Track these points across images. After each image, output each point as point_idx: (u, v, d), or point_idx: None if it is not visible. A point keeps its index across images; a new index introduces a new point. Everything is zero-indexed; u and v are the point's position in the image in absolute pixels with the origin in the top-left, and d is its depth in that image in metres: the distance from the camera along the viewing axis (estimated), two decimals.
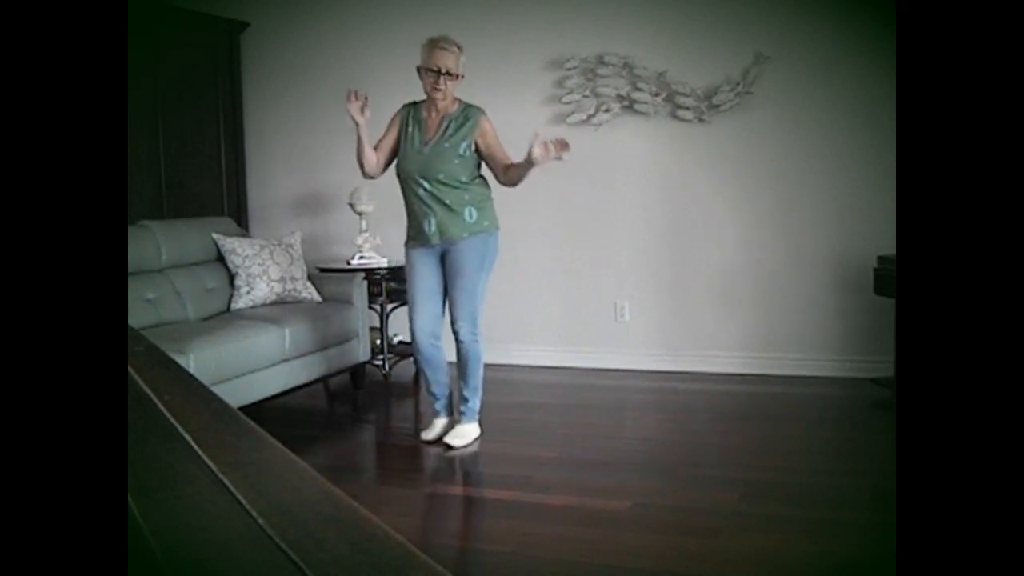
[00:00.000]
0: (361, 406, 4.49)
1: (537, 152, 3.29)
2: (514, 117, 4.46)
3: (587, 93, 4.84)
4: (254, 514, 0.67)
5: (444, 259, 3.58)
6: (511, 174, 3.49)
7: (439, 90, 3.43)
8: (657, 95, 4.72)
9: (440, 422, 3.75)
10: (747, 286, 4.75)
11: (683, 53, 4.69)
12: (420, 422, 4.23)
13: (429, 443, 3.68)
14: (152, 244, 4.15)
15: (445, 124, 3.49)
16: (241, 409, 1.08)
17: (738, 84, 4.59)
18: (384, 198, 4.51)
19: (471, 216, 3.50)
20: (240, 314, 4.16)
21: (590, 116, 4.84)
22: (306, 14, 5.40)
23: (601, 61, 4.78)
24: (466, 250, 3.51)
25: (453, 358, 3.71)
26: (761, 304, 4.74)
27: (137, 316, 3.77)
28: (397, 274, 4.85)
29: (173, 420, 0.93)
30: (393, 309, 4.91)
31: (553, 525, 2.81)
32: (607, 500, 2.98)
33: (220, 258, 4.42)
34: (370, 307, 4.67)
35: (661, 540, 2.65)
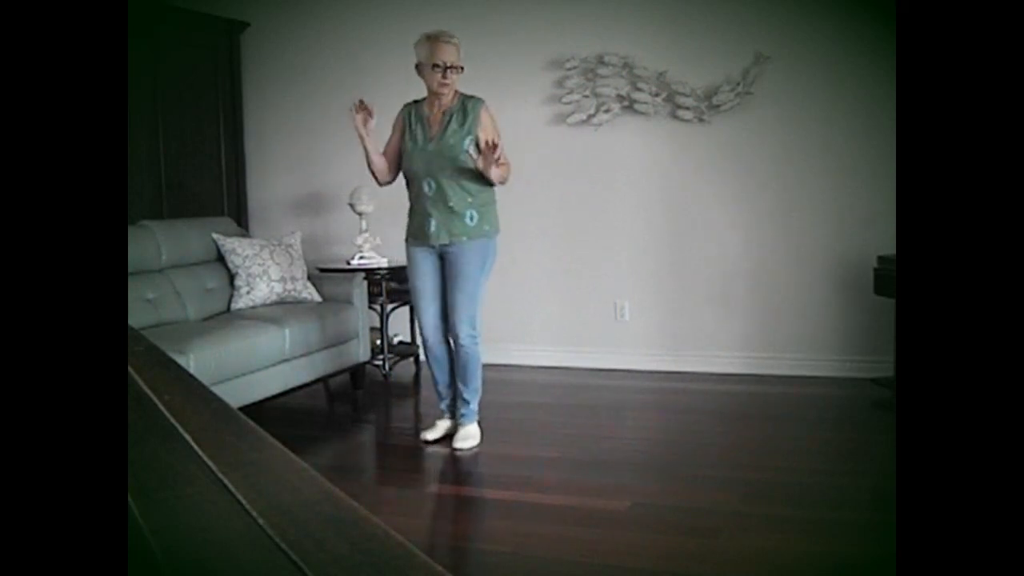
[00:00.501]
0: (361, 406, 4.49)
1: (481, 163, 3.37)
2: (514, 117, 4.47)
3: (587, 93, 4.84)
4: (254, 514, 0.67)
5: (443, 260, 3.57)
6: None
7: (446, 84, 3.41)
8: (657, 95, 4.72)
9: (443, 423, 3.74)
10: (747, 286, 4.75)
11: (683, 53, 4.69)
12: (420, 422, 4.23)
13: (429, 443, 3.68)
14: (152, 244, 4.15)
15: (447, 119, 3.47)
16: (241, 409, 1.08)
17: (738, 84, 4.59)
18: (384, 198, 4.51)
19: (472, 219, 3.48)
20: (240, 314, 4.16)
21: (590, 116, 4.84)
22: (306, 14, 5.40)
23: (601, 61, 4.79)
24: (466, 253, 3.50)
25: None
26: (761, 304, 4.74)
27: (137, 316, 3.77)
28: (397, 274, 4.85)
29: (173, 420, 0.93)
30: (393, 309, 4.91)
31: (553, 525, 2.81)
32: (607, 500, 2.98)
33: (220, 258, 4.42)
34: (370, 307, 4.67)
35: (661, 540, 2.65)
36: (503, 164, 3.43)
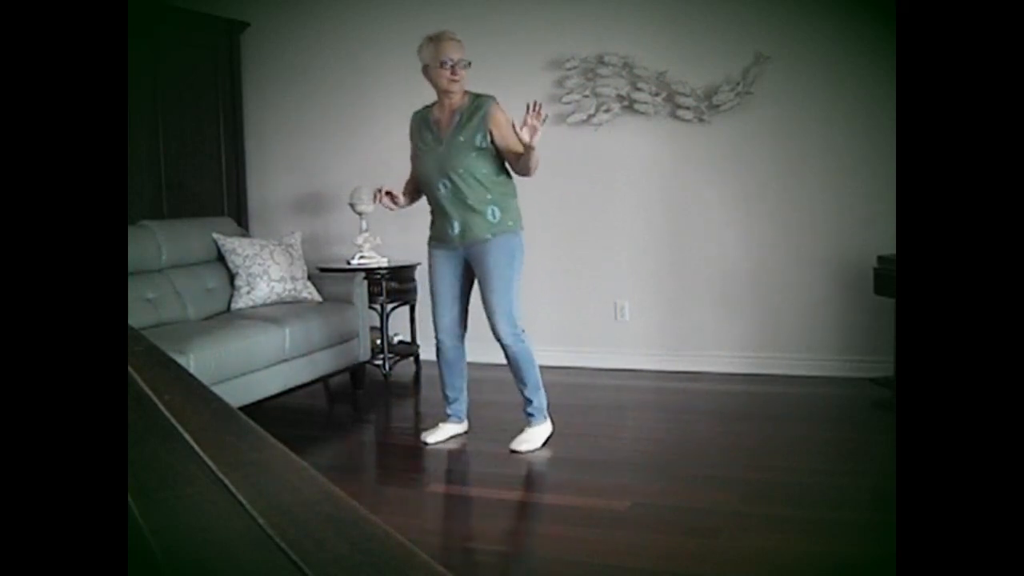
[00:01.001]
0: (361, 406, 4.49)
1: (526, 135, 3.17)
2: (514, 117, 4.45)
3: (587, 93, 4.84)
4: (254, 514, 0.67)
5: (469, 261, 3.51)
6: (521, 164, 3.34)
7: (456, 80, 3.36)
8: (657, 95, 4.72)
9: (447, 427, 3.70)
10: (747, 286, 4.75)
11: (683, 53, 4.69)
12: (421, 422, 4.23)
13: (428, 445, 3.65)
14: (152, 244, 4.15)
15: (457, 118, 3.41)
16: (241, 409, 1.08)
17: (738, 84, 4.59)
18: None
19: (494, 215, 3.42)
20: (240, 314, 4.16)
21: (590, 116, 4.84)
22: (306, 14, 5.40)
23: (601, 61, 4.78)
24: (492, 252, 3.42)
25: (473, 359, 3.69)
26: (761, 304, 4.74)
27: (137, 316, 3.77)
28: (397, 274, 4.85)
29: (173, 420, 0.93)
30: (393, 309, 4.91)
31: (553, 525, 2.81)
32: (607, 500, 2.98)
33: (220, 258, 4.42)
34: (370, 307, 4.67)
35: (661, 540, 2.65)
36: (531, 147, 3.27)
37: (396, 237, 5.13)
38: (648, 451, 3.61)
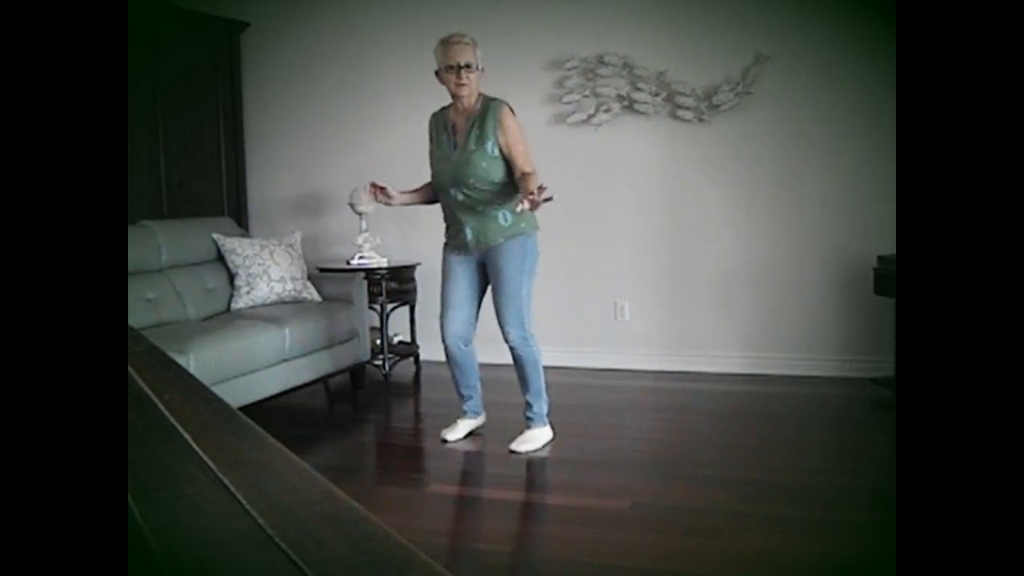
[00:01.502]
0: (361, 406, 4.49)
1: (526, 205, 3.09)
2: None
3: (587, 93, 4.84)
4: (254, 514, 0.67)
5: (484, 265, 3.52)
6: (518, 181, 3.32)
7: (463, 85, 3.34)
8: (657, 95, 4.72)
9: (465, 423, 3.72)
10: (747, 286, 4.75)
11: (683, 53, 4.69)
12: (420, 422, 4.23)
13: (447, 443, 3.65)
14: (152, 244, 4.15)
15: (471, 125, 3.40)
16: (241, 409, 1.08)
17: (738, 84, 4.59)
18: None
19: (506, 219, 3.42)
20: (240, 314, 4.16)
21: (590, 116, 4.84)
22: (306, 14, 5.40)
23: (601, 61, 4.78)
24: (505, 254, 3.43)
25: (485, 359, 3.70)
26: (761, 304, 4.74)
27: (137, 316, 3.77)
28: (397, 274, 4.85)
29: (173, 420, 0.93)
30: (393, 309, 4.91)
31: (553, 525, 2.81)
32: (607, 500, 2.98)
33: (220, 258, 4.42)
34: (370, 307, 4.67)
35: (661, 540, 2.65)
36: (530, 174, 3.29)
37: (396, 237, 5.13)
38: (648, 451, 3.61)
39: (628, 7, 4.77)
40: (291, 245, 4.52)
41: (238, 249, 4.36)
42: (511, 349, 3.51)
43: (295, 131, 5.52)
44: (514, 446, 3.53)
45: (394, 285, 4.85)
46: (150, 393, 1.02)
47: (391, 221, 4.95)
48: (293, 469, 0.80)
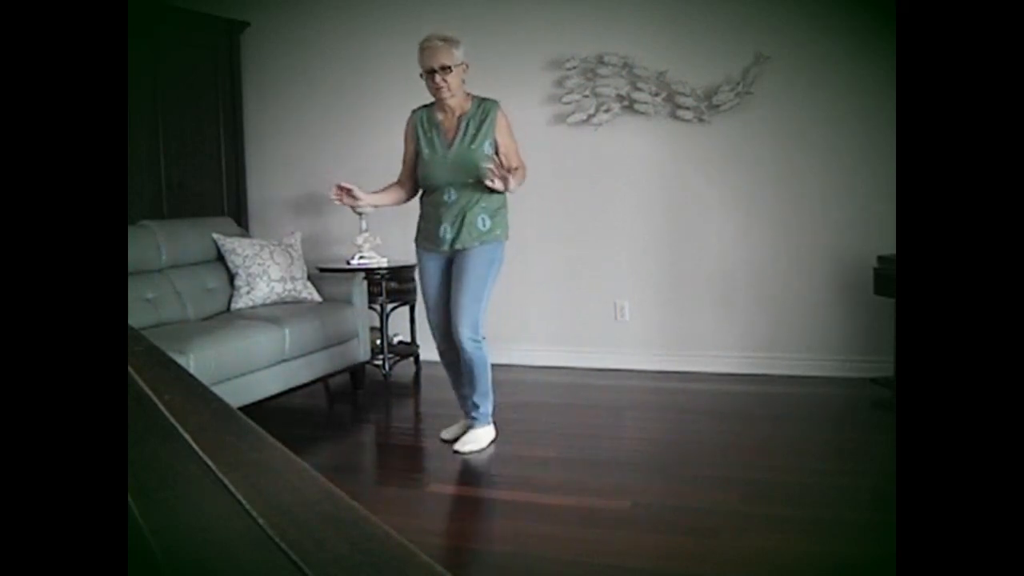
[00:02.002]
0: (361, 406, 4.49)
1: (498, 184, 3.29)
2: (514, 117, 4.45)
3: (587, 93, 4.84)
4: (254, 514, 0.67)
5: (451, 263, 3.54)
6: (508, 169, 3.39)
7: (440, 88, 3.36)
8: (657, 95, 4.72)
9: (465, 423, 3.72)
10: (747, 286, 4.75)
11: (683, 53, 4.69)
12: (420, 422, 4.23)
13: (446, 442, 3.66)
14: (152, 244, 4.15)
15: (464, 124, 3.42)
16: (241, 409, 1.08)
17: (738, 84, 4.59)
18: None
19: (484, 224, 3.45)
20: (240, 314, 4.16)
21: (590, 116, 4.84)
22: (306, 14, 5.40)
23: (601, 61, 4.78)
24: (475, 258, 3.45)
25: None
26: (761, 304, 4.74)
27: (137, 316, 3.77)
28: (397, 274, 4.85)
29: (173, 420, 0.93)
30: (393, 309, 4.92)
31: (553, 525, 2.81)
32: (607, 500, 2.98)
33: (220, 258, 4.42)
34: (370, 307, 4.67)
35: (661, 540, 2.65)
36: (518, 168, 3.40)
37: (396, 237, 5.12)
38: (648, 451, 3.61)
39: (628, 7, 4.77)
40: (291, 245, 4.52)
41: (238, 249, 4.36)
42: (461, 350, 3.50)
43: (295, 131, 5.52)
44: (458, 447, 3.56)
45: (394, 285, 4.85)
46: (150, 393, 1.02)
47: (391, 221, 4.95)
48: (293, 469, 0.80)
